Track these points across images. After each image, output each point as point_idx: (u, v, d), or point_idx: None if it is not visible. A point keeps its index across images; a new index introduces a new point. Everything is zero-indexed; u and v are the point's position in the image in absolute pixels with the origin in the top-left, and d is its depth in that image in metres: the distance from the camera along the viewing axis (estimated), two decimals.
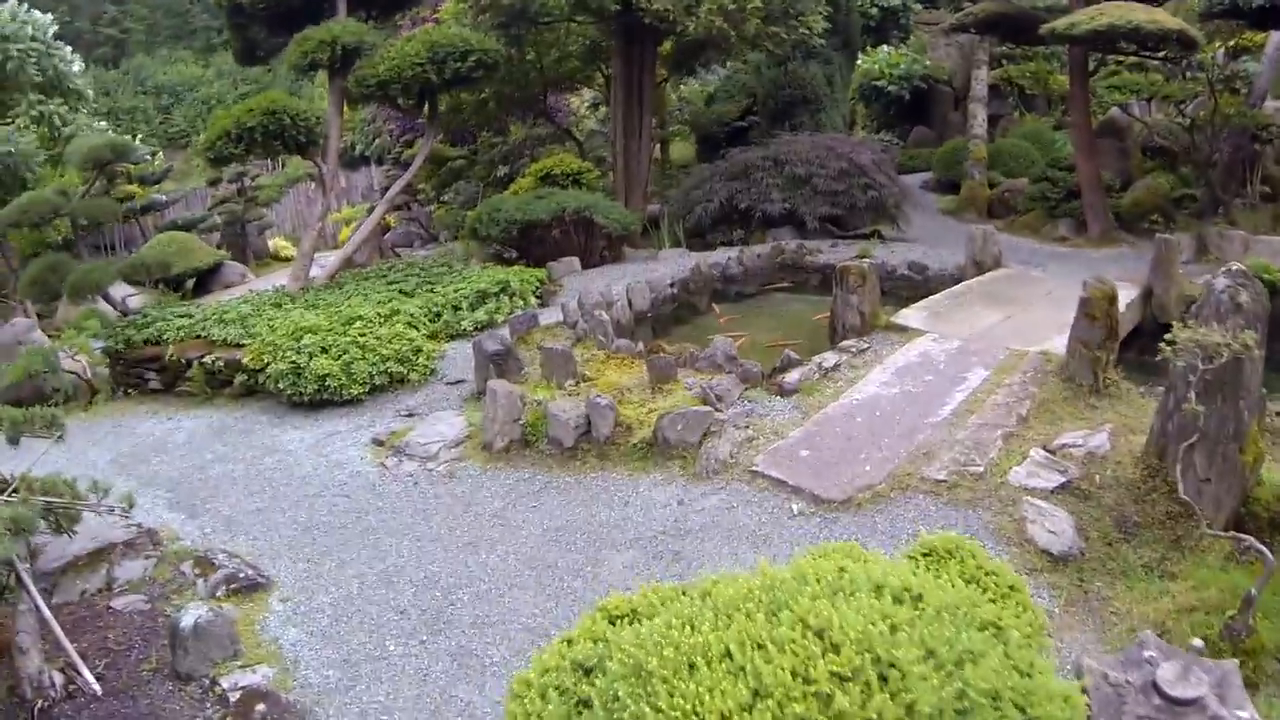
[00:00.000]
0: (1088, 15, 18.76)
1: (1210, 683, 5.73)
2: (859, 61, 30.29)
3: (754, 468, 10.76)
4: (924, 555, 5.92)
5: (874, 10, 34.04)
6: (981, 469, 10.48)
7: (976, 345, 13.71)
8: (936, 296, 16.46)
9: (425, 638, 8.59)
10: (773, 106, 27.35)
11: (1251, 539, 8.91)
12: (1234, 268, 9.87)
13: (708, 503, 10.39)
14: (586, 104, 34.66)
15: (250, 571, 9.67)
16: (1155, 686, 5.85)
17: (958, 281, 17.98)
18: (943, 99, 31.70)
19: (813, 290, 19.45)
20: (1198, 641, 6.04)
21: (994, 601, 4.93)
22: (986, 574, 5.72)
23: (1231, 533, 8.97)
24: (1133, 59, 24.06)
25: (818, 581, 4.04)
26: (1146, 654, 6.13)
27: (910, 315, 15.25)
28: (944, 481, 10.28)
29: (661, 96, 29.26)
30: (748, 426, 11.56)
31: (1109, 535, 9.81)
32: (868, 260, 17.49)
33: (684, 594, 4.48)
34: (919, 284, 18.81)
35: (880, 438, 11.15)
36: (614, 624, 4.33)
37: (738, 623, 3.69)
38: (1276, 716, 8.37)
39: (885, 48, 32.84)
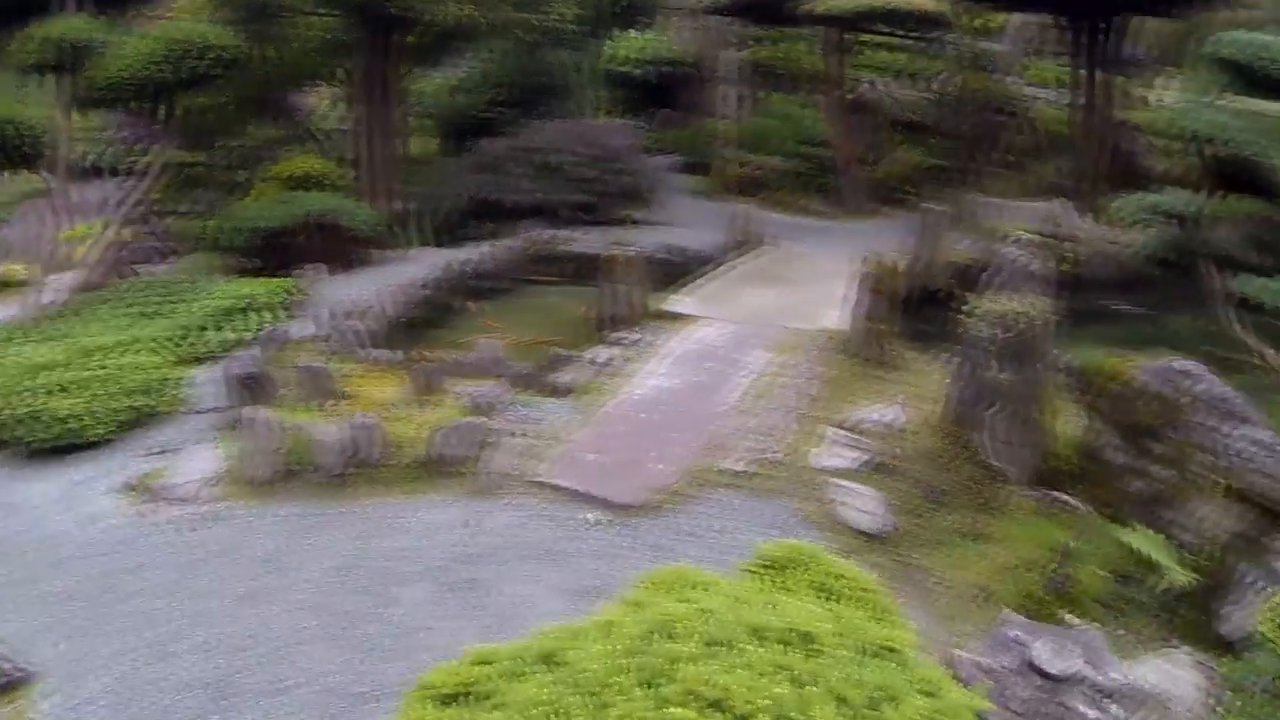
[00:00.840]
0: None
1: (1082, 653, 5.57)
2: (606, 47, 30.14)
3: (539, 478, 10.05)
4: (765, 568, 5.43)
5: None
6: (780, 455, 10.22)
7: (754, 327, 13.54)
8: (705, 279, 16.26)
9: (216, 718, 7.41)
10: (519, 96, 26.59)
11: (1068, 497, 9.06)
12: (1024, 238, 10.06)
13: (496, 521, 9.62)
14: (327, 102, 32.90)
15: (6, 665, 8.10)
16: (1032, 666, 5.63)
17: (718, 263, 17.90)
18: (690, 82, 31.92)
19: (570, 281, 18.68)
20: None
21: (877, 621, 4.43)
22: (837, 579, 5.29)
23: (1043, 490, 9.08)
24: (883, 39, 24.93)
25: (686, 634, 3.40)
26: (1012, 634, 5.92)
27: (681, 301, 14.94)
28: (744, 473, 9.93)
29: (406, 91, 28.15)
30: (526, 434, 10.83)
31: (919, 507, 9.74)
32: (628, 247, 17.13)
33: (520, 658, 3.75)
34: (679, 267, 18.54)
35: (669, 433, 10.71)
36: (447, 707, 3.53)
37: (617, 706, 3.00)
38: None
39: (633, 32, 32.75)
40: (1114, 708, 5.33)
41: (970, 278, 19.49)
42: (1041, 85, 26.49)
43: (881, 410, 10.96)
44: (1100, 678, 5.30)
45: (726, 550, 8.34)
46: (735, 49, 26.67)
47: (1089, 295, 19.06)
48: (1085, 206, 21.22)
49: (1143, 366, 9.85)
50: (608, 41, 30.61)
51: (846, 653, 3.41)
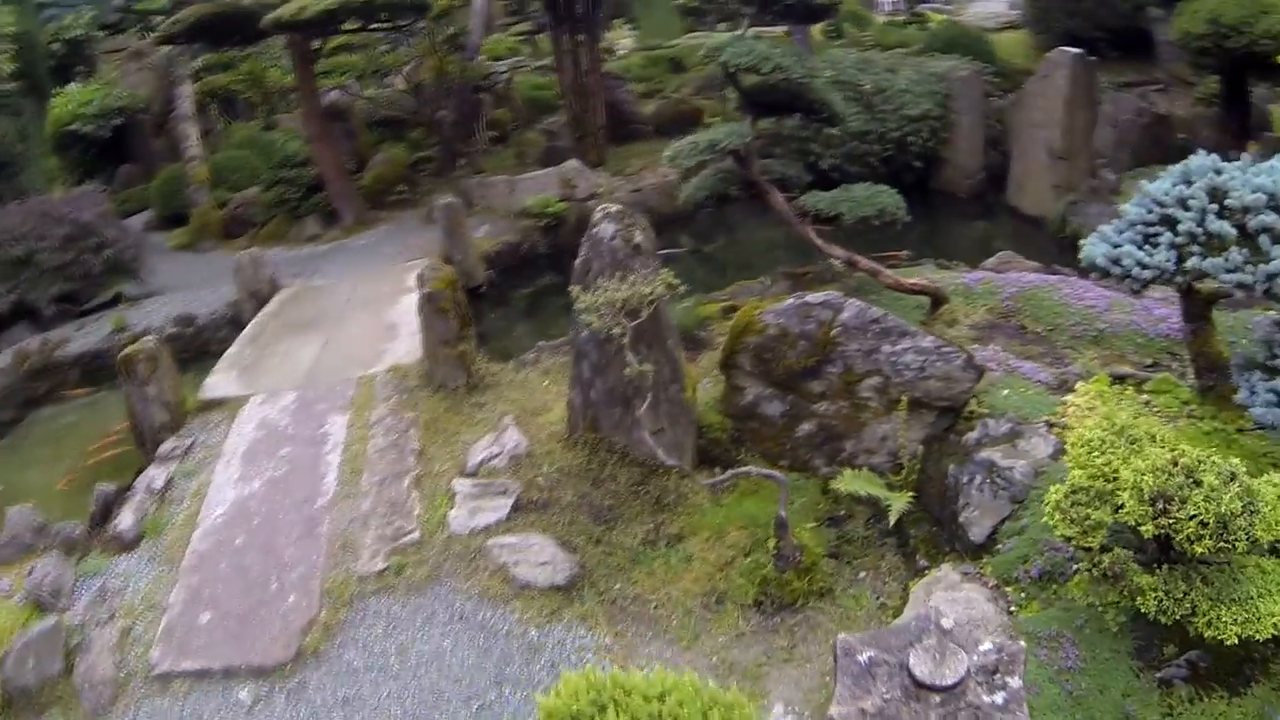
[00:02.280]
0: None
1: (955, 645, 4.59)
2: (52, 107, 25.84)
3: (159, 669, 7.58)
4: None
5: (56, 46, 29.10)
6: (417, 533, 8.33)
7: (316, 389, 11.28)
8: (236, 346, 13.55)
9: None
10: None
11: (753, 468, 8.14)
12: (612, 209, 8.91)
13: None
14: None
15: None
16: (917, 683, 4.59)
17: (234, 320, 15.31)
18: (145, 129, 28.05)
19: (87, 388, 15.35)
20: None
21: None
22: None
23: (732, 472, 8.09)
24: (345, 39, 22.89)
25: None
26: (865, 657, 4.76)
27: (220, 382, 12.19)
28: (387, 569, 7.95)
29: None
30: (115, 615, 8.16)
31: (595, 534, 8.39)
32: (137, 332, 14.27)
33: None
34: (197, 340, 15.88)
35: (279, 551, 8.45)
36: None
37: None
38: (851, 604, 7.83)
39: (73, 85, 28.16)
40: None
41: (508, 264, 18.91)
42: (508, 56, 26.16)
43: (498, 441, 9.47)
44: (988, 693, 4.43)
45: (413, 675, 6.99)
46: (189, 81, 23.66)
47: None
48: (593, 162, 21.00)
49: (773, 310, 9.22)
50: (52, 100, 26.32)
51: None
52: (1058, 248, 16.37)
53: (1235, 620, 5.59)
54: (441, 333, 10.60)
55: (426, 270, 10.74)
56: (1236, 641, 5.63)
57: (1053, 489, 6.41)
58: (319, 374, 11.78)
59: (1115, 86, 18.73)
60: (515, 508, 8.52)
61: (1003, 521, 7.80)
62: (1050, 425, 8.64)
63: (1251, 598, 5.68)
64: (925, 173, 19.48)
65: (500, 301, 16.85)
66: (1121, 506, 5.83)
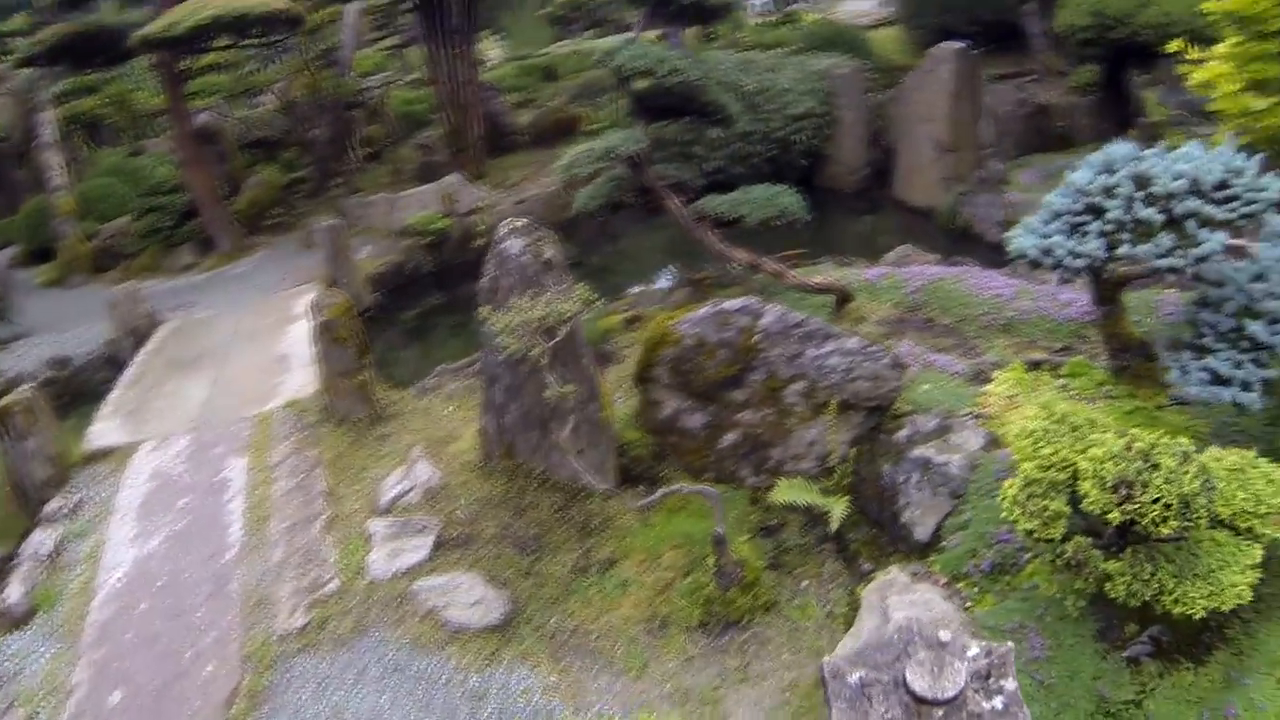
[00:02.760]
0: (188, 10, 15.69)
1: (946, 656, 4.27)
2: None
3: None
4: None
5: None
6: (336, 581, 7.67)
7: (211, 431, 10.46)
8: (119, 389, 12.52)
9: None
10: None
11: (684, 485, 7.73)
12: (518, 224, 8.37)
13: None
14: None
15: None
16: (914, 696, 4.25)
17: (112, 360, 14.24)
18: (6, 159, 26.17)
19: None
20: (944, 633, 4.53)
21: None
22: None
23: (661, 491, 7.63)
24: (213, 58, 21.69)
25: None
26: (855, 678, 4.36)
27: (105, 430, 11.19)
28: (309, 624, 7.30)
29: None
30: (12, 704, 7.21)
31: (523, 566, 7.90)
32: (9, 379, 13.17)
33: None
34: (71, 382, 14.78)
35: (188, 615, 7.69)
36: None
37: None
38: (798, 615, 7.57)
39: None
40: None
41: (394, 285, 18.16)
42: (376, 71, 25.27)
43: (409, 475, 8.88)
44: (986, 699, 4.15)
45: None
46: (51, 106, 22.18)
47: None
48: (473, 175, 20.39)
49: (689, 319, 8.85)
50: None
51: None
52: (949, 238, 16.47)
53: (1201, 595, 5.61)
54: (339, 363, 9.97)
55: (321, 298, 10.08)
56: (1204, 614, 5.64)
57: (1007, 484, 6.29)
58: (212, 415, 10.95)
59: (991, 79, 18.94)
60: (437, 545, 7.97)
61: (945, 518, 7.66)
62: (975, 417, 8.52)
63: (1213, 570, 5.71)
64: (810, 170, 19.43)
65: (389, 324, 16.13)
66: (1084, 496, 5.73)
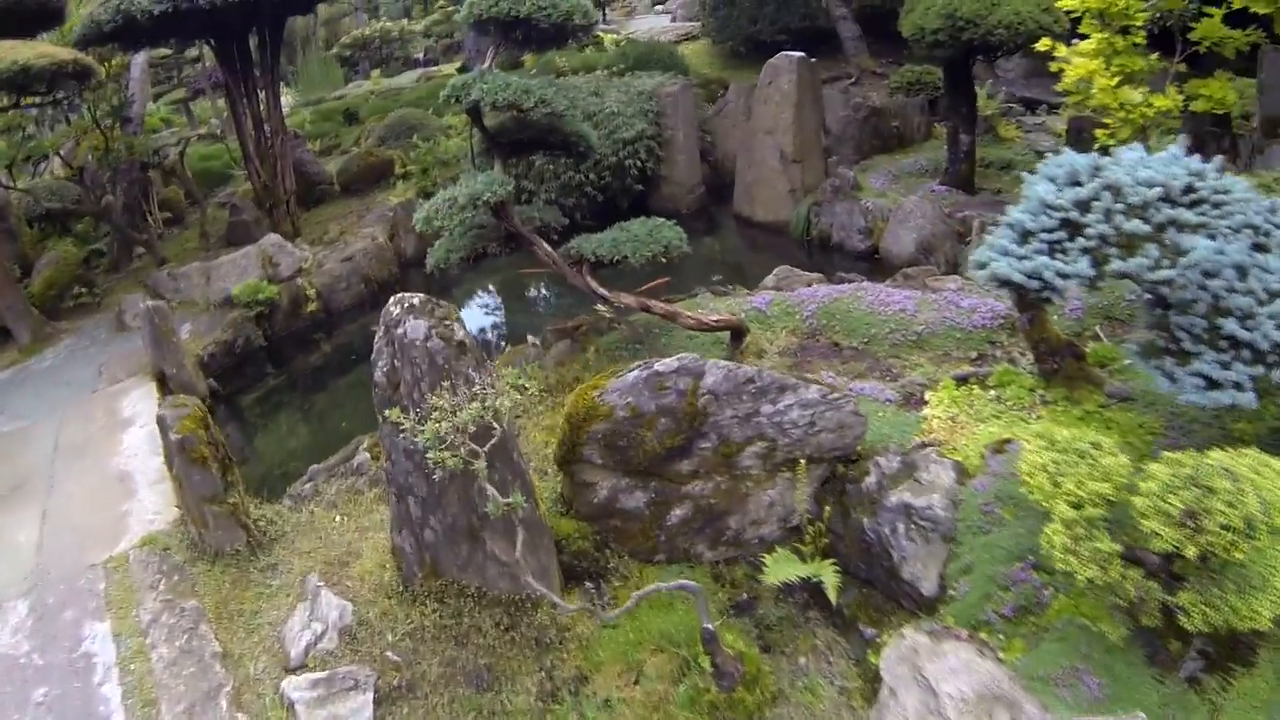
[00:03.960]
0: None
1: None
2: None
3: None
4: None
5: None
6: None
7: (52, 591, 8.33)
8: None
9: None
10: None
11: (661, 584, 6.36)
12: (413, 300, 6.77)
13: None
14: None
15: None
16: None
17: None
18: None
19: None
20: None
21: None
22: None
23: (637, 596, 6.21)
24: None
25: None
26: None
27: None
28: None
29: None
30: None
31: (481, 704, 6.54)
32: None
33: None
34: None
35: None
36: None
37: None
38: (810, 699, 6.58)
39: None
40: None
41: (225, 366, 15.82)
42: (164, 127, 22.67)
43: (315, 614, 7.24)
44: None
45: None
46: None
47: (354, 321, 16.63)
48: (289, 233, 18.28)
49: (616, 388, 7.51)
50: None
51: None
52: (806, 250, 15.73)
53: (1265, 606, 5.30)
54: (203, 487, 8.19)
55: (167, 412, 8.22)
56: (1271, 624, 5.33)
57: (1050, 530, 5.69)
58: (50, 565, 8.82)
59: None
60: (378, 703, 6.45)
61: (946, 565, 6.78)
62: (926, 446, 7.72)
63: (1267, 579, 5.37)
64: (644, 194, 18.38)
65: (230, 413, 14.05)
66: (1152, 535, 5.30)
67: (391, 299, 7.08)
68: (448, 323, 6.88)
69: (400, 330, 6.80)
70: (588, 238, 10.38)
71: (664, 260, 10.50)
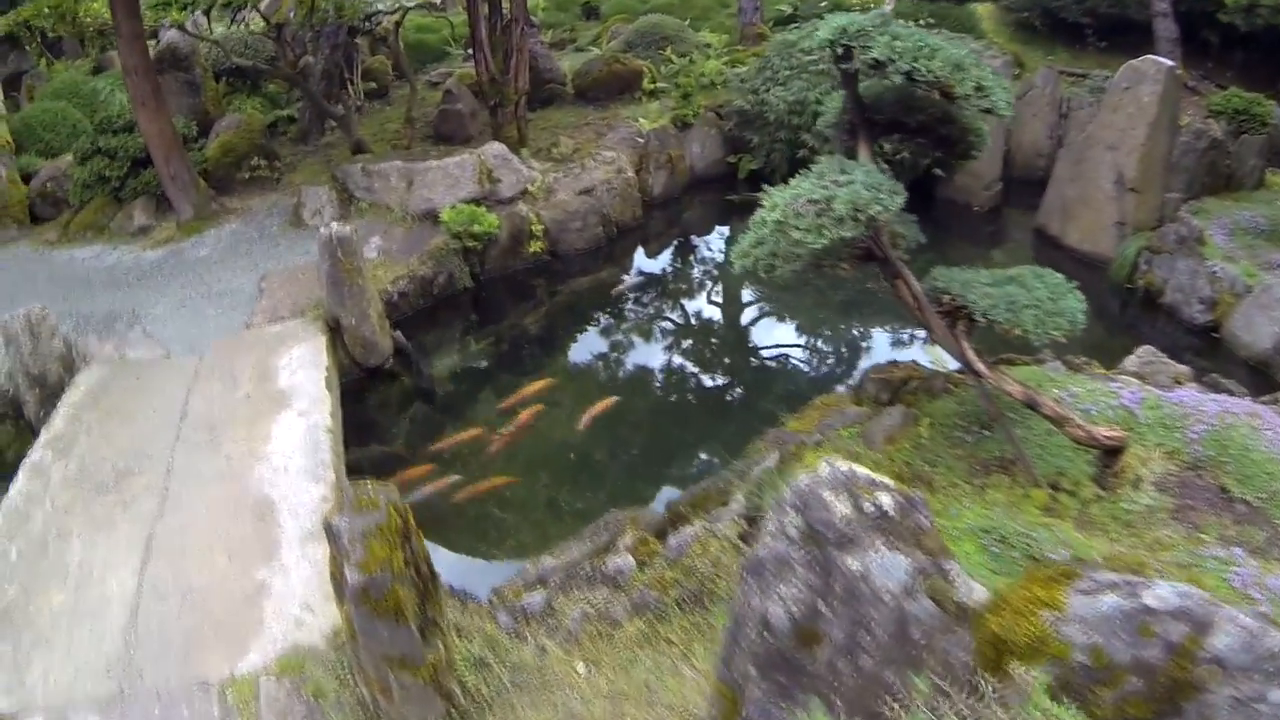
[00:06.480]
0: None
1: None
2: None
3: None
4: None
5: None
6: None
7: (138, 712, 5.14)
8: None
9: None
10: None
11: None
12: (884, 501, 3.18)
13: None
14: None
15: None
16: None
17: (15, 400, 8.89)
18: None
19: None
20: None
21: None
22: None
23: None
24: None
25: None
26: None
27: None
28: None
29: None
30: None
31: None
32: None
33: None
34: None
35: None
36: None
37: None
38: None
39: None
40: None
41: (417, 311, 11.37)
42: None
43: None
44: None
45: None
46: None
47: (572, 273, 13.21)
48: (514, 141, 14.58)
49: (1076, 613, 3.63)
50: None
51: None
52: (1120, 300, 11.49)
53: None
54: (393, 647, 4.75)
55: (340, 520, 4.71)
56: None
57: None
58: (144, 655, 5.56)
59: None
60: None
61: None
62: None
63: None
64: (930, 182, 14.22)
65: (412, 391, 10.35)
66: None
67: (814, 478, 3.39)
68: (938, 561, 3.18)
69: (853, 562, 3.11)
70: (963, 279, 6.46)
71: (1057, 338, 6.50)
